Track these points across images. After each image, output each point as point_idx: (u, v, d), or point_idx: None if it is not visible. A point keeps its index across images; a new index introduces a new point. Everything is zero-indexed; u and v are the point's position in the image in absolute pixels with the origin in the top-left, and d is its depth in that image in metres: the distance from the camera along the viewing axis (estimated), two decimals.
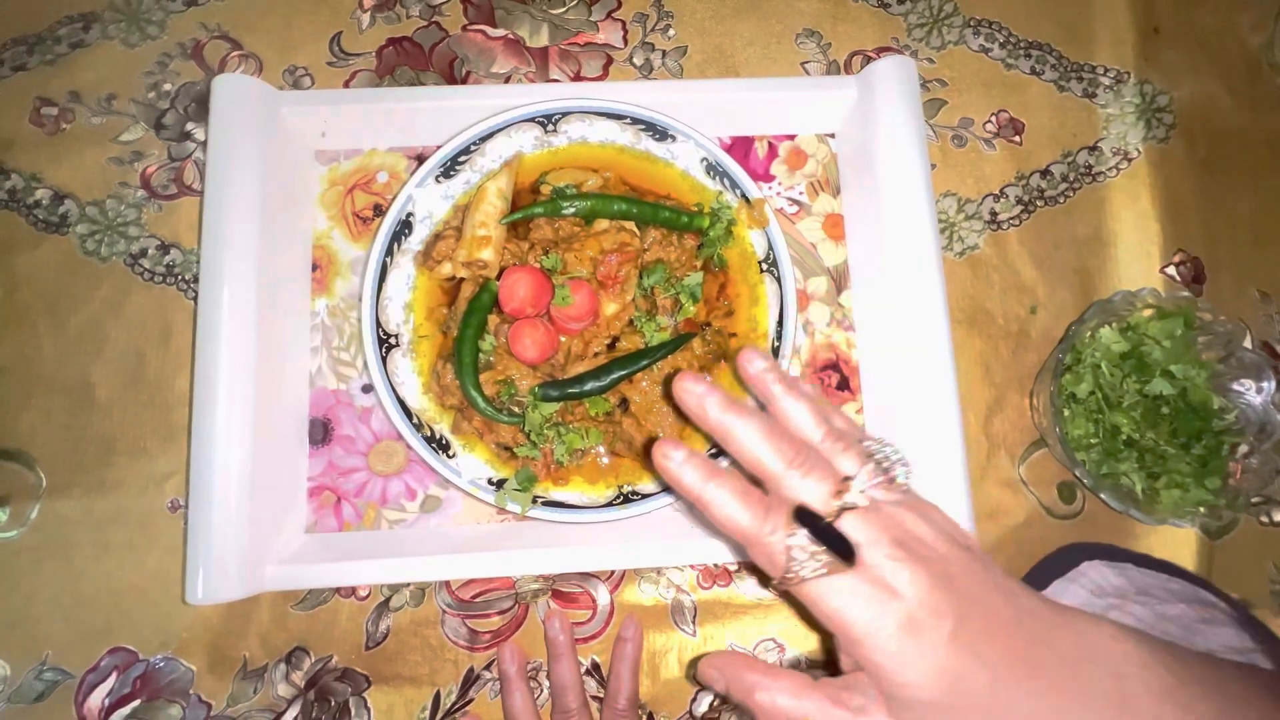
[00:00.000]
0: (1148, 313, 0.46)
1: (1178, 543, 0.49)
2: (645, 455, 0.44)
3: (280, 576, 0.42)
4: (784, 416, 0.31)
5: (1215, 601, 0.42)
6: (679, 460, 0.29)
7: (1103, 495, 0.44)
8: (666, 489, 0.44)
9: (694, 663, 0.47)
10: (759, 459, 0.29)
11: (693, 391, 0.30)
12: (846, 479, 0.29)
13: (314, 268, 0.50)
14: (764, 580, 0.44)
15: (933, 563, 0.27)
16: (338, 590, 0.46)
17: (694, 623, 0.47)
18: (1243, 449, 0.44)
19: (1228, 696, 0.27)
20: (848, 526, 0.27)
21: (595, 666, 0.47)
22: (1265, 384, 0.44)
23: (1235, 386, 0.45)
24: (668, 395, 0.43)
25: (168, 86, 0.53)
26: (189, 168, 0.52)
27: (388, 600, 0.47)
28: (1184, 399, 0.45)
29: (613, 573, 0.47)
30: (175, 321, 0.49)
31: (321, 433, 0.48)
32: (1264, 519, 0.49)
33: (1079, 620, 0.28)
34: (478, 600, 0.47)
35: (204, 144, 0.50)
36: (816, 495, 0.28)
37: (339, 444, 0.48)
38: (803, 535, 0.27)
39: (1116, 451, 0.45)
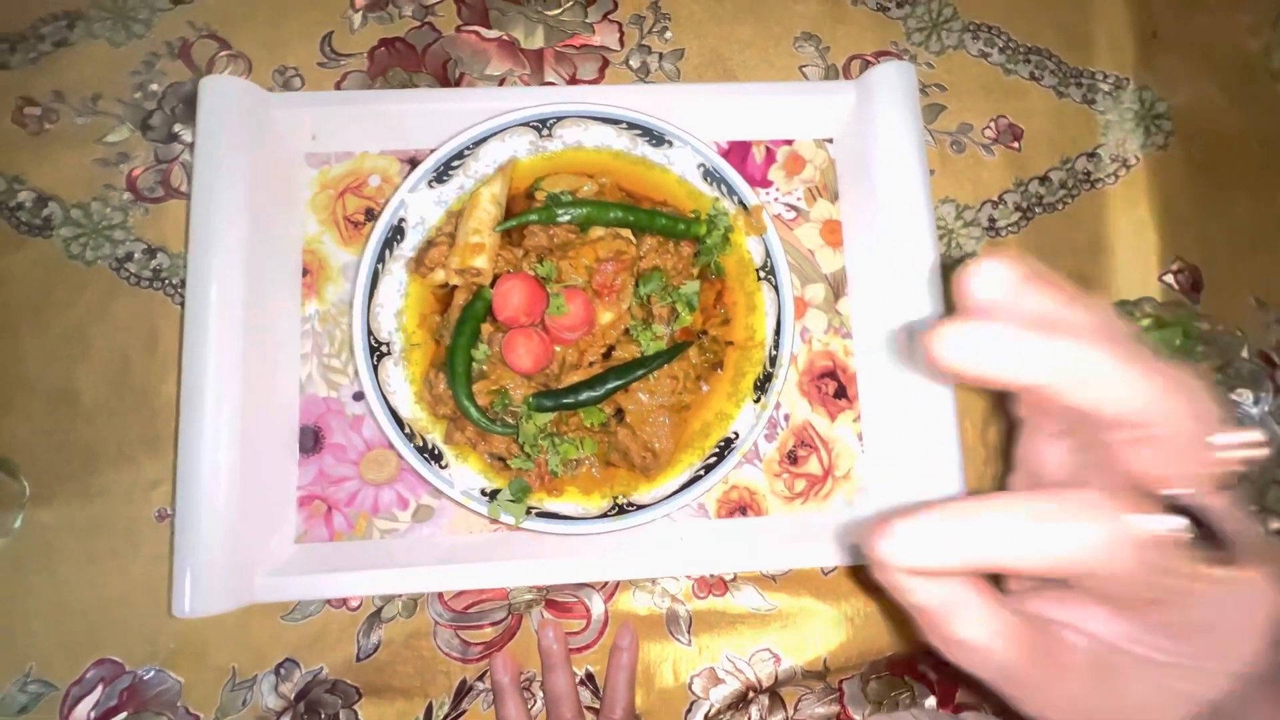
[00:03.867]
0: (1146, 322, 0.46)
1: None
2: (640, 466, 0.44)
3: (269, 588, 0.42)
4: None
5: None
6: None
7: None
8: (663, 500, 0.43)
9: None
10: (1144, 409, 0.17)
11: (974, 342, 0.17)
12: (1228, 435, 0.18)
13: (304, 273, 0.49)
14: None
15: None
16: (328, 601, 0.46)
17: (689, 632, 0.47)
18: None
19: None
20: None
21: (590, 677, 0.46)
22: (1263, 395, 0.44)
23: (1233, 397, 0.45)
24: (663, 405, 0.43)
25: (154, 86, 0.52)
26: (176, 170, 0.51)
27: (379, 611, 0.46)
28: None
29: (607, 582, 0.47)
30: (162, 327, 0.49)
31: (312, 441, 0.47)
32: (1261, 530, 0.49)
33: None
34: (470, 611, 0.46)
35: (192, 146, 0.49)
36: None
37: (330, 452, 0.47)
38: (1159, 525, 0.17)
39: None
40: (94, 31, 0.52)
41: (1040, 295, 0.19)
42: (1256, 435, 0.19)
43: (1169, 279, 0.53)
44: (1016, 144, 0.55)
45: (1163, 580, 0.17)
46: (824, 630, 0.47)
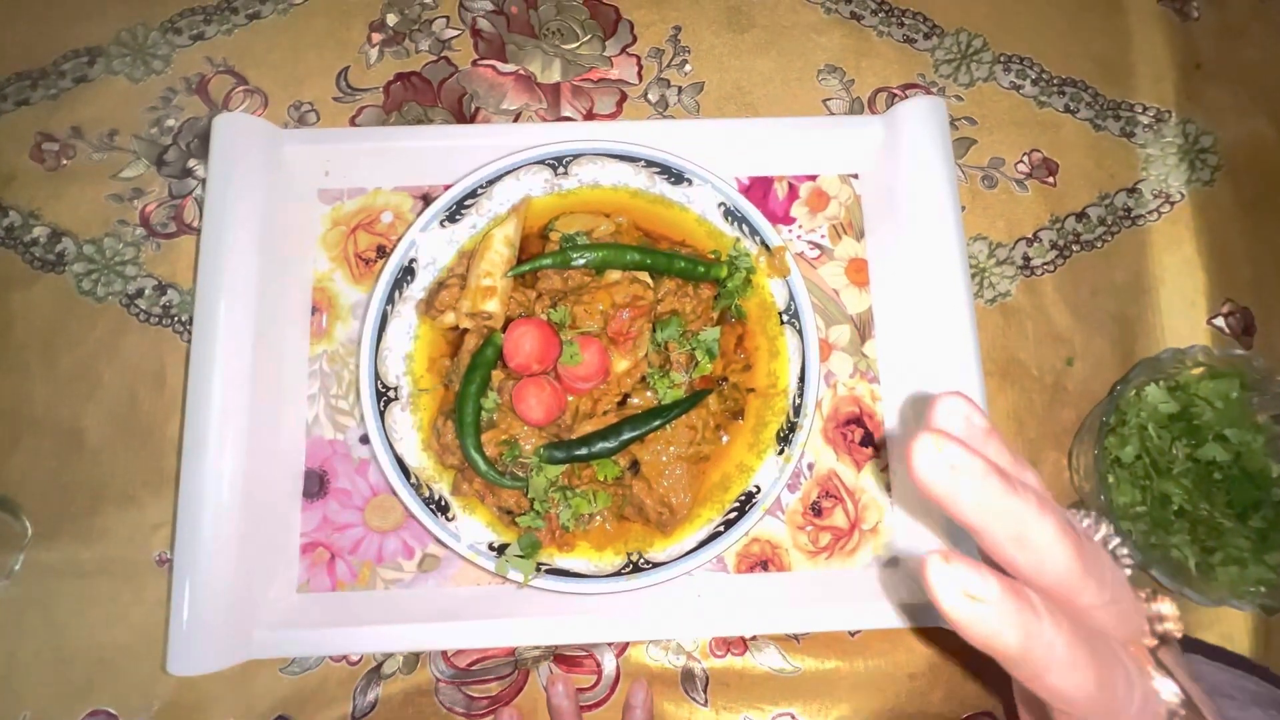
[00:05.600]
0: (1198, 371, 0.43)
1: (1230, 620, 0.45)
2: (655, 521, 0.41)
3: (268, 643, 0.40)
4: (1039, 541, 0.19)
5: None
6: (996, 600, 0.17)
7: (1153, 571, 0.41)
8: (680, 558, 0.41)
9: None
10: (1067, 580, 0.18)
11: (963, 466, 0.17)
12: (1157, 605, 0.21)
13: (314, 311, 0.48)
14: None
15: None
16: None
17: (705, 692, 0.44)
18: None
19: None
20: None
21: None
22: None
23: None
24: (680, 457, 0.41)
25: (171, 122, 0.51)
26: (189, 205, 0.50)
27: (379, 666, 0.44)
28: (1239, 465, 0.42)
29: None
30: (169, 364, 0.48)
31: (317, 485, 0.46)
32: None
33: None
34: (475, 668, 0.44)
35: (205, 182, 0.49)
36: (1136, 631, 0.20)
37: (334, 497, 0.45)
38: (1175, 697, 0.19)
39: (1167, 522, 0.42)
40: (114, 68, 0.52)
41: (1000, 450, 0.20)
42: (1172, 608, 0.21)
43: (1219, 321, 0.50)
44: (1051, 179, 0.52)
45: None
46: (850, 695, 0.44)
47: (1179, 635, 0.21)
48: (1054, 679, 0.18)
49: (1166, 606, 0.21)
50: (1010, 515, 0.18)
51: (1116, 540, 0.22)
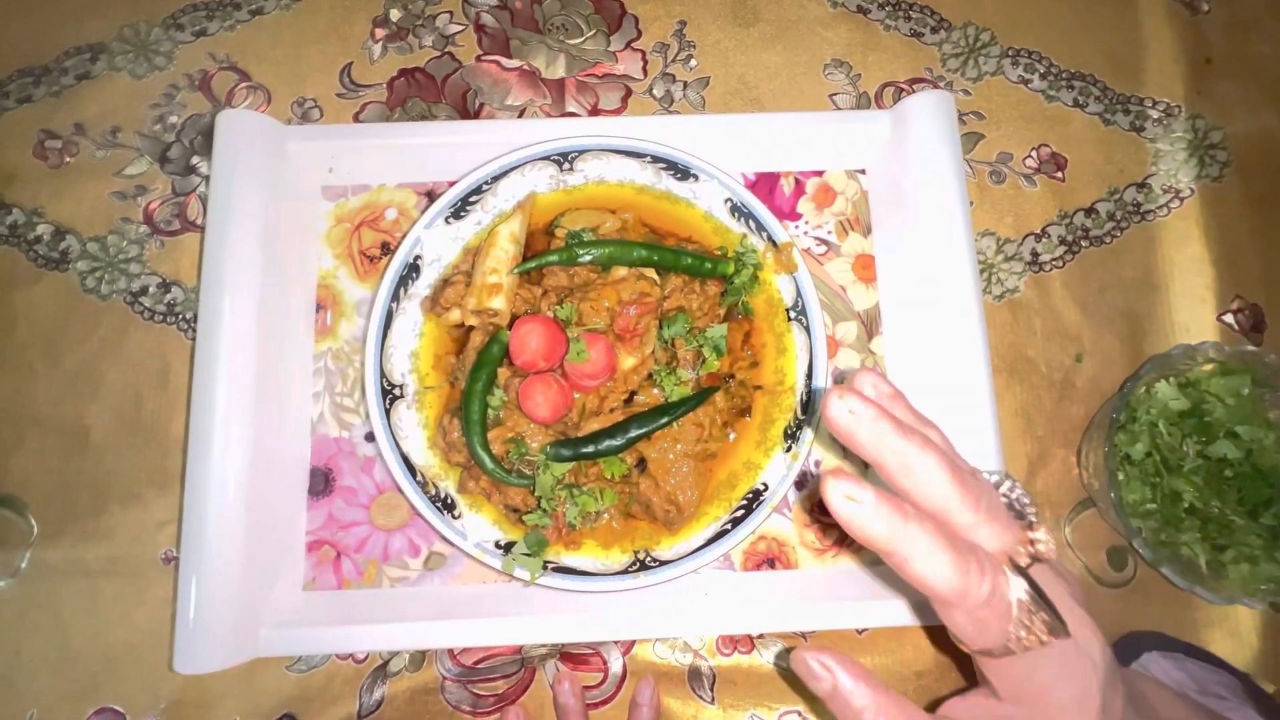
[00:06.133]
0: (1209, 368, 0.43)
1: (1240, 617, 0.45)
2: (662, 519, 0.41)
3: (274, 641, 0.40)
4: (920, 473, 0.25)
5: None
6: (869, 504, 0.22)
7: (1163, 570, 0.40)
8: (687, 556, 0.41)
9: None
10: (946, 502, 0.24)
11: (860, 412, 0.23)
12: (1030, 524, 0.26)
13: (318, 308, 0.47)
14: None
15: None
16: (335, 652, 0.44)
17: (712, 690, 0.44)
18: None
19: None
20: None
21: None
22: None
23: None
24: (688, 454, 0.40)
25: (174, 119, 0.51)
26: (193, 203, 0.50)
27: (386, 664, 0.44)
28: (1251, 463, 0.41)
29: None
30: (174, 362, 0.48)
31: (322, 483, 0.45)
32: None
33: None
34: (481, 666, 0.44)
35: (209, 179, 0.49)
36: (1009, 546, 0.25)
37: (340, 495, 0.45)
38: (1024, 593, 0.24)
39: (1177, 520, 0.41)
40: (116, 64, 0.52)
41: (904, 410, 0.27)
42: (1046, 535, 0.26)
43: (1229, 318, 0.50)
44: (1060, 174, 0.52)
45: (1014, 629, 0.24)
46: None
47: (1050, 557, 0.26)
48: (917, 565, 0.23)
49: (1041, 534, 0.26)
50: (897, 451, 0.24)
51: (1019, 491, 0.28)
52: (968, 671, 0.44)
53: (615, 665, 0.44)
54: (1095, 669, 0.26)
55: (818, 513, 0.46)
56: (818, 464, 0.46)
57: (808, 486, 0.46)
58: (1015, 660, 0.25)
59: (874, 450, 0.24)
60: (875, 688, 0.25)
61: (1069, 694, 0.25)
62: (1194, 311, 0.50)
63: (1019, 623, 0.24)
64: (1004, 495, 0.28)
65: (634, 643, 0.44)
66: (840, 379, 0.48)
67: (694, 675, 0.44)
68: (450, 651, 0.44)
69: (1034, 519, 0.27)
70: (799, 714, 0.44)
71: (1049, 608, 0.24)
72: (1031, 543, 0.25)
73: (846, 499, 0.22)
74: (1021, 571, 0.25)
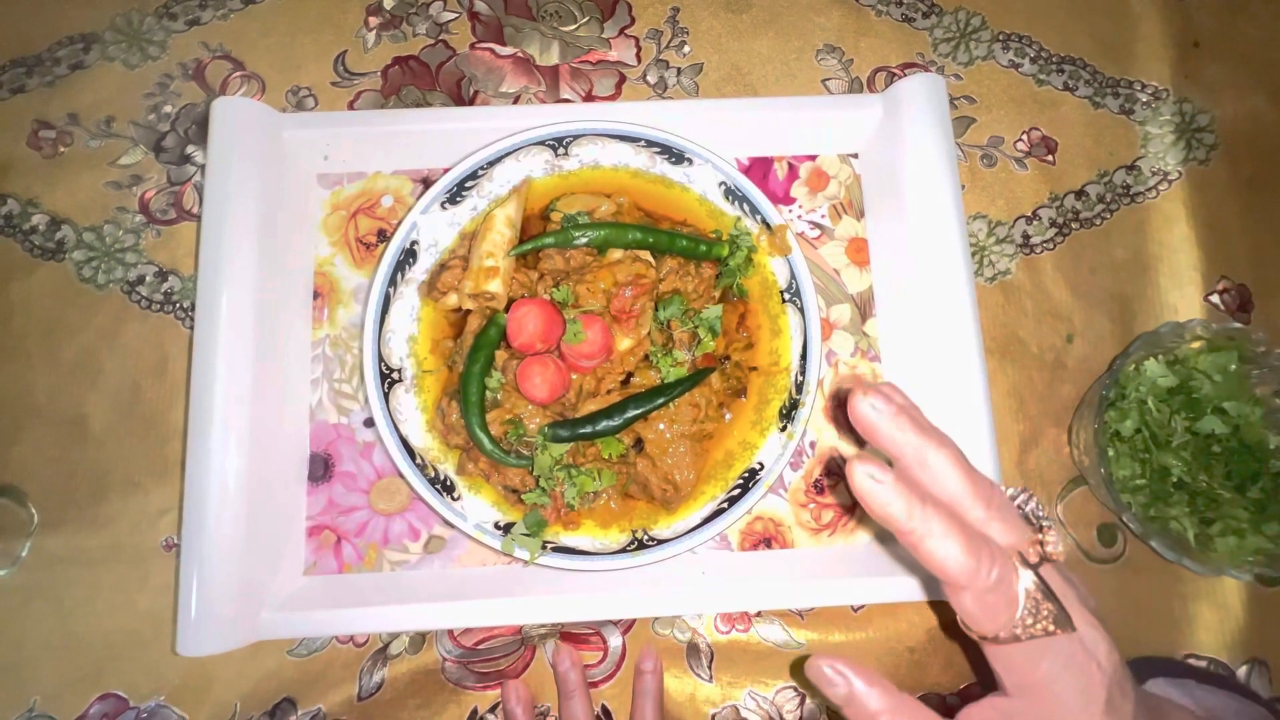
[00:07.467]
0: (1197, 345, 0.44)
1: (1227, 589, 0.46)
2: (660, 498, 0.42)
3: (275, 624, 0.40)
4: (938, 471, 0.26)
5: None
6: (889, 484, 0.24)
7: (1152, 543, 0.41)
8: (684, 534, 0.41)
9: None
10: (958, 495, 0.26)
11: (882, 408, 0.25)
12: (1041, 528, 0.27)
13: (315, 296, 0.48)
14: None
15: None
16: (335, 635, 0.44)
17: (710, 667, 0.45)
18: None
19: None
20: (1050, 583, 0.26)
21: (606, 712, 0.44)
22: None
23: None
24: (684, 434, 0.41)
25: (168, 108, 0.51)
26: (188, 192, 0.50)
27: (386, 647, 0.44)
28: (1238, 438, 0.42)
29: None
30: (172, 351, 0.48)
31: (322, 469, 0.46)
32: None
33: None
34: (481, 647, 0.44)
35: (204, 168, 0.49)
36: (1018, 543, 0.26)
37: (340, 480, 0.46)
38: (1032, 583, 0.25)
39: (1166, 494, 0.42)
40: (109, 54, 0.52)
41: (918, 415, 0.28)
42: (1058, 539, 0.27)
43: (1215, 299, 0.50)
44: (1050, 157, 0.52)
45: (1021, 616, 0.25)
46: None
47: (1059, 558, 0.27)
48: (930, 543, 0.24)
49: (1052, 536, 0.27)
50: (914, 445, 0.26)
51: (1034, 504, 0.29)
52: (973, 659, 0.45)
53: (615, 644, 0.45)
54: (1101, 669, 0.26)
55: (813, 493, 0.46)
56: (813, 444, 0.47)
57: (804, 467, 0.47)
58: (1021, 649, 0.26)
59: (893, 443, 0.26)
60: (889, 691, 0.26)
61: (1073, 689, 0.26)
62: (1182, 292, 0.50)
63: (1026, 611, 0.25)
64: (1019, 506, 0.29)
65: (633, 622, 0.45)
66: (841, 376, 0.48)
67: (692, 652, 0.45)
68: (450, 633, 0.44)
69: (1046, 524, 0.28)
70: (794, 689, 0.45)
71: (1056, 601, 0.25)
72: (1041, 544, 0.26)
73: (869, 477, 0.24)
74: (1030, 566, 0.26)
